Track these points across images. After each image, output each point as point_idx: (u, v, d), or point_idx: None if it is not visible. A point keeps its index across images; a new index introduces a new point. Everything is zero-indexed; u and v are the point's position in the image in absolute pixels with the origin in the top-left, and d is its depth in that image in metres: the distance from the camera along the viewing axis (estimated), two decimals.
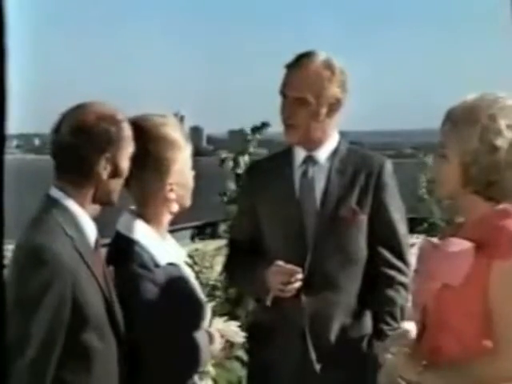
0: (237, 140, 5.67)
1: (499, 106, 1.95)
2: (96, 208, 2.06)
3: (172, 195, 2.24)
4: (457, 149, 1.96)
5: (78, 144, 1.98)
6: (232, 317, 3.14)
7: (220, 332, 2.33)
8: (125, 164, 2.06)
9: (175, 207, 2.28)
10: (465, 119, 1.96)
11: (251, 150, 5.47)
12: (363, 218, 2.62)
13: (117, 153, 2.03)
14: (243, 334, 2.42)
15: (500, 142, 1.92)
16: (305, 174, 2.69)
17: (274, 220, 2.68)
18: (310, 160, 2.69)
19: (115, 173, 2.04)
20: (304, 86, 2.59)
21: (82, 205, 2.01)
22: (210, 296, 4.66)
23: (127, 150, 2.07)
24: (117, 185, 2.07)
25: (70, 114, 2.02)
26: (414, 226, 5.64)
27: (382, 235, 2.65)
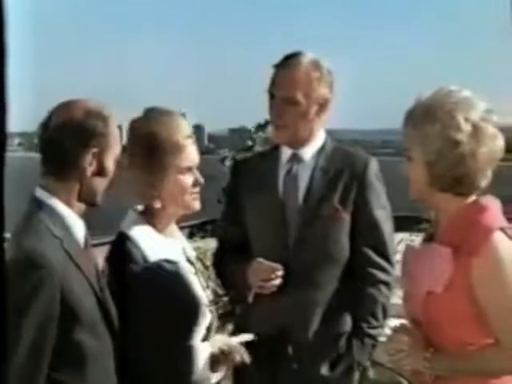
0: (238, 138, 5.68)
1: (454, 101, 1.96)
2: (81, 207, 2.04)
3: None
4: (420, 149, 1.98)
5: (63, 138, 1.97)
6: (232, 315, 3.14)
7: (222, 349, 2.31)
8: (110, 164, 2.04)
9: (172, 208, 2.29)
10: (423, 119, 1.97)
11: (256, 147, 5.45)
12: (345, 217, 2.63)
13: (103, 150, 2.01)
14: (244, 351, 2.37)
15: (460, 137, 1.93)
16: (289, 171, 2.70)
17: (258, 217, 2.70)
18: (295, 158, 2.71)
19: (100, 171, 2.02)
20: (294, 85, 2.59)
21: (67, 202, 1.99)
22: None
23: (114, 149, 2.05)
24: (101, 184, 2.04)
25: (57, 110, 2.01)
26: (413, 224, 5.64)
27: (366, 234, 2.65)
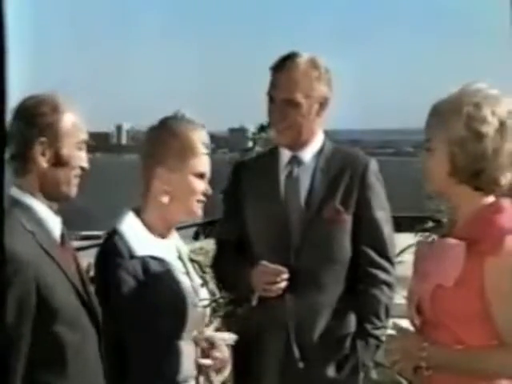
0: (238, 138, 5.67)
1: (483, 95, 1.95)
2: (52, 200, 2.00)
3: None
4: (443, 139, 1.96)
5: (15, 127, 1.95)
6: (233, 316, 3.12)
7: (210, 339, 2.28)
8: (68, 152, 1.99)
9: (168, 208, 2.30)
10: (449, 109, 1.95)
11: (256, 148, 5.43)
12: (347, 218, 2.62)
13: (56, 139, 1.97)
14: (234, 337, 2.35)
15: (486, 129, 1.91)
16: (290, 174, 2.69)
17: (260, 220, 2.68)
18: (295, 160, 2.69)
19: (58, 161, 1.97)
20: (293, 87, 2.57)
21: (35, 196, 1.96)
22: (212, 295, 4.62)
23: (71, 138, 1.99)
24: (63, 175, 1.99)
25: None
26: (417, 224, 5.61)
27: (367, 234, 2.65)
